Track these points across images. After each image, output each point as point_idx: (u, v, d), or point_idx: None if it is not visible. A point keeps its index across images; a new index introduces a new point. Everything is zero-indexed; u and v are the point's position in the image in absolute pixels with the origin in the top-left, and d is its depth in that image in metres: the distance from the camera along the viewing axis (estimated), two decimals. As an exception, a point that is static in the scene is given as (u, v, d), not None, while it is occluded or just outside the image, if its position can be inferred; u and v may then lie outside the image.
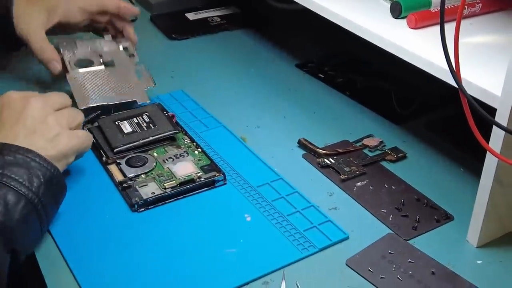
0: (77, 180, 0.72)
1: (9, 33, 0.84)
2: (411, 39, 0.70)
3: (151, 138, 0.77)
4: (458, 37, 0.55)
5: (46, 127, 0.65)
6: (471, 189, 0.68)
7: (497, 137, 0.59)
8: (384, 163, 0.77)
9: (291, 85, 0.94)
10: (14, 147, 0.62)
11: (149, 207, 0.69)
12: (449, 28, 0.56)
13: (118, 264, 0.62)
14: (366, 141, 0.80)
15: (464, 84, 0.57)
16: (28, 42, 0.84)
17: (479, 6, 0.73)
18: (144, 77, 0.86)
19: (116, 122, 0.79)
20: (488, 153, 0.60)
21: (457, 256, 0.64)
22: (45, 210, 0.61)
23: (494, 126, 0.58)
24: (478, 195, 0.63)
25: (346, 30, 0.76)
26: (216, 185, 0.72)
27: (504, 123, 0.57)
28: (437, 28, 0.58)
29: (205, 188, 0.72)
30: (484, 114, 0.55)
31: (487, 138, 0.59)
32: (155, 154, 0.76)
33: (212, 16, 1.14)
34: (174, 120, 0.81)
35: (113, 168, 0.74)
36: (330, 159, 0.77)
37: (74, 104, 0.76)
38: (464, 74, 0.58)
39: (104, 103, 0.81)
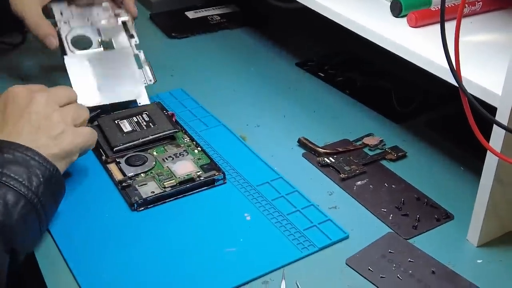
0: (77, 179, 0.72)
1: (6, 11, 0.82)
2: (411, 37, 0.69)
3: (151, 137, 0.77)
4: (458, 36, 0.55)
5: (51, 124, 0.65)
6: (471, 188, 0.68)
7: (497, 136, 0.59)
8: (384, 162, 0.77)
9: (291, 84, 0.94)
10: (14, 145, 0.61)
11: (149, 206, 0.69)
12: (450, 26, 0.56)
13: (117, 263, 0.62)
14: (366, 140, 0.80)
15: (464, 82, 0.57)
16: (24, 18, 0.82)
17: (480, 4, 0.73)
18: (144, 70, 0.85)
19: (116, 121, 0.78)
20: (488, 152, 0.60)
21: (457, 255, 0.64)
22: (44, 209, 0.61)
23: (494, 125, 0.58)
24: (478, 194, 0.63)
25: (346, 28, 0.76)
26: (215, 184, 0.72)
27: (504, 122, 0.57)
28: (437, 27, 0.58)
29: (204, 187, 0.72)
30: (485, 113, 0.55)
31: (487, 137, 0.58)
32: (154, 153, 0.76)
33: (212, 15, 1.14)
34: (173, 119, 0.81)
35: (112, 167, 0.74)
36: (330, 158, 0.77)
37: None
38: (464, 72, 0.58)
39: (103, 103, 0.81)
